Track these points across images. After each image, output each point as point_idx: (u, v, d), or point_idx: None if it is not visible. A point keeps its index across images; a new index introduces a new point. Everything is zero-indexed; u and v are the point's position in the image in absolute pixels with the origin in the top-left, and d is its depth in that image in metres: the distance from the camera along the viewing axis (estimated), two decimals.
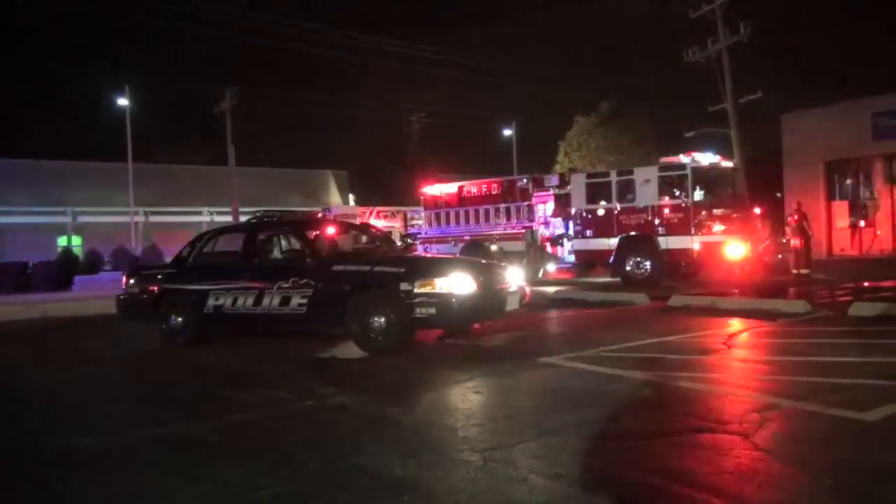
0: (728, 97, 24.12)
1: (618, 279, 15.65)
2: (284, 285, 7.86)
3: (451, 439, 4.30)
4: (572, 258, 16.92)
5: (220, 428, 4.81)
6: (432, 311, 7.09)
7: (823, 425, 4.27)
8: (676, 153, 15.91)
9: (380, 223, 25.74)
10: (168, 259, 27.46)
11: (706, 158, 15.47)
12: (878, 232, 23.59)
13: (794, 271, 15.27)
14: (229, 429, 4.80)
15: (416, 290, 7.14)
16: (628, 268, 15.43)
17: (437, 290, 7.12)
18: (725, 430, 4.27)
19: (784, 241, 16.43)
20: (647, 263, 15.19)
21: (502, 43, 67.48)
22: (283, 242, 9.15)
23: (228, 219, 33.40)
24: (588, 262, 16.89)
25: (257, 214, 9.19)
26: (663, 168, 15.21)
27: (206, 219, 37.98)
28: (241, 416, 5.08)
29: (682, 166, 14.86)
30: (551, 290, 15.07)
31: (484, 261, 8.88)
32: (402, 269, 7.42)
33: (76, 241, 35.15)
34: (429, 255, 9.27)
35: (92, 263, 29.93)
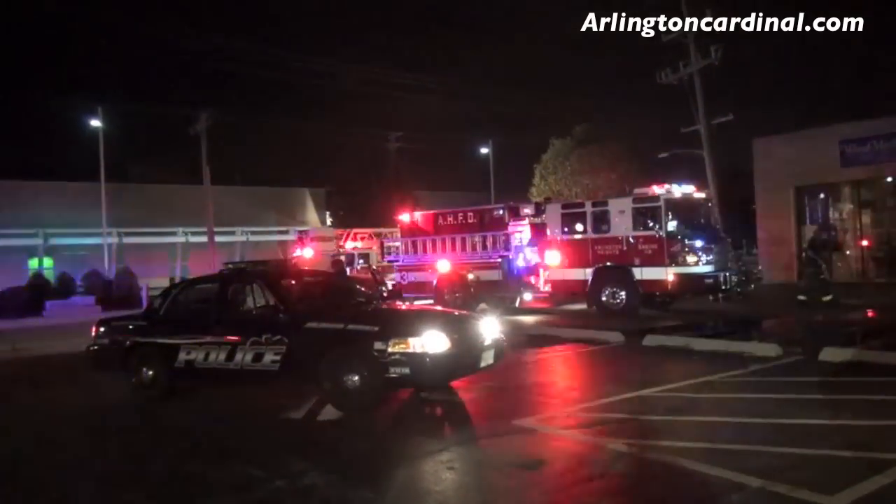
0: (701, 119, 24.52)
1: (593, 309, 15.78)
2: (257, 341, 7.79)
3: None
4: (548, 287, 17.02)
5: None
6: (406, 370, 7.07)
7: None
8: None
9: (357, 245, 25.68)
10: (141, 281, 27.16)
11: (679, 190, 15.66)
12: (848, 252, 24.02)
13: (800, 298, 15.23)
14: None
15: (389, 350, 7.11)
16: (604, 298, 15.56)
17: (410, 350, 7.10)
18: None
19: (756, 270, 16.62)
20: (623, 294, 15.35)
21: (482, 66, 68.05)
22: (257, 294, 9.06)
23: (204, 239, 33.10)
24: (564, 291, 16.99)
25: (228, 265, 9.10)
26: (637, 199, 15.39)
27: (181, 239, 37.59)
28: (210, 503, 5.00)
29: (656, 198, 15.05)
30: (528, 319, 15.18)
31: (457, 313, 8.88)
32: (376, 328, 7.38)
33: (47, 262, 34.54)
34: (404, 309, 9.21)
35: (64, 288, 29.49)
